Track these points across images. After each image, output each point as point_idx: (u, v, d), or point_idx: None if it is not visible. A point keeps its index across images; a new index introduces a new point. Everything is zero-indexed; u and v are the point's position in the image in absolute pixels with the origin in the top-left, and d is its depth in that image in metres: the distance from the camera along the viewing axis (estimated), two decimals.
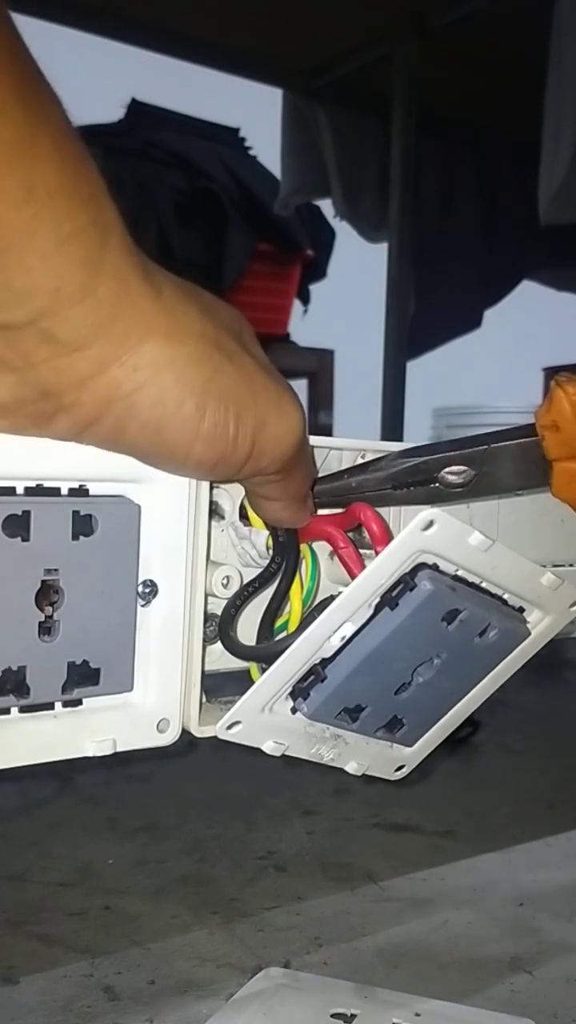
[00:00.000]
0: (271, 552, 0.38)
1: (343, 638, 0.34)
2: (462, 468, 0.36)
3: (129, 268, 0.27)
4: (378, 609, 0.34)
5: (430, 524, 0.32)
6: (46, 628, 0.31)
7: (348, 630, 0.34)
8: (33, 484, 0.31)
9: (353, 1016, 0.41)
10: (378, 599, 0.34)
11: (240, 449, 0.30)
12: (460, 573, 0.35)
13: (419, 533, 0.33)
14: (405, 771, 0.41)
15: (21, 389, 0.27)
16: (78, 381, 0.27)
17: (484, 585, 0.36)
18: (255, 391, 0.30)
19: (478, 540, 0.34)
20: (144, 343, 0.27)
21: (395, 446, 0.42)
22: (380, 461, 0.38)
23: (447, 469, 0.36)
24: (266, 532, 0.38)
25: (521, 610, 0.38)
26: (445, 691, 0.38)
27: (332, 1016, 0.41)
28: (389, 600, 0.34)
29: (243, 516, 0.38)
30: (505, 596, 0.37)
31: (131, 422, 0.28)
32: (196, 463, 0.30)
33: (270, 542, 0.38)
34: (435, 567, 0.34)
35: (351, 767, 0.39)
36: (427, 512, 0.32)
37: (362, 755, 0.39)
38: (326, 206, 2.04)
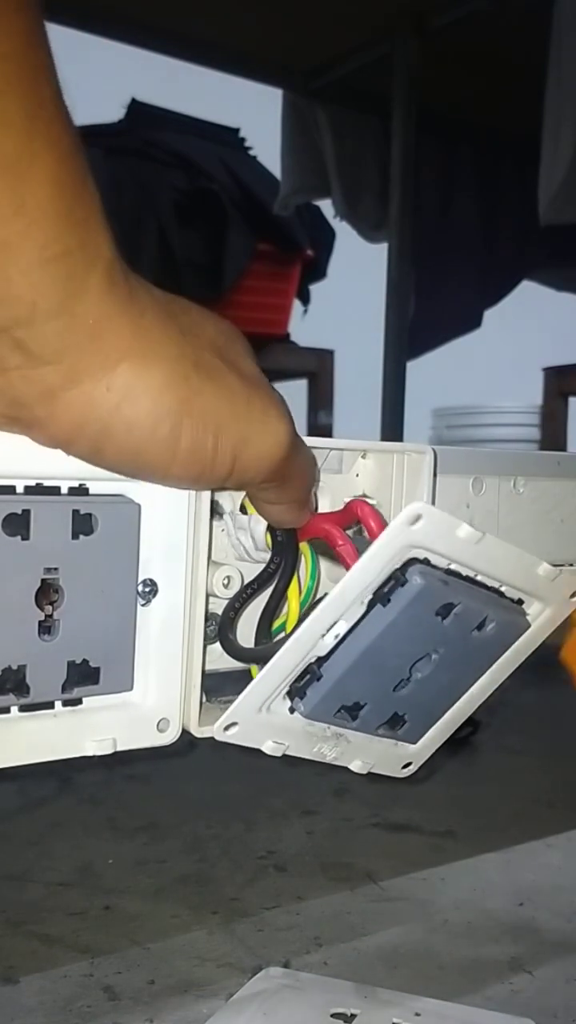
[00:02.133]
0: (269, 549, 0.38)
1: (337, 636, 0.34)
2: None
3: (113, 292, 0.27)
4: (371, 606, 0.34)
5: (417, 518, 0.32)
6: (46, 627, 0.31)
7: (342, 628, 0.34)
8: (33, 483, 0.31)
9: (353, 1016, 0.41)
10: (370, 596, 0.34)
11: (220, 466, 0.30)
12: (453, 567, 0.35)
13: (407, 528, 0.32)
14: (412, 768, 0.41)
15: None
16: (47, 393, 0.27)
17: (479, 578, 0.36)
18: (236, 409, 0.30)
19: (467, 532, 0.34)
20: (119, 364, 0.27)
21: (396, 446, 0.42)
22: None
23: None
24: (265, 522, 0.38)
25: (520, 602, 0.38)
26: (446, 686, 0.38)
27: (332, 1016, 0.41)
28: (381, 596, 0.34)
29: (242, 508, 0.38)
30: (502, 588, 0.37)
31: (107, 444, 0.28)
32: (176, 480, 0.30)
33: (268, 539, 0.38)
34: (426, 561, 0.34)
35: (355, 765, 0.39)
36: (414, 506, 0.32)
37: (366, 753, 0.39)
38: (326, 206, 2.04)
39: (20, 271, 0.25)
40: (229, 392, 0.30)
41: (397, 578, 0.33)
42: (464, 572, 0.35)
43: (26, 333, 0.26)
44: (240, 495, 0.38)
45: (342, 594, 0.33)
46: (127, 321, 0.28)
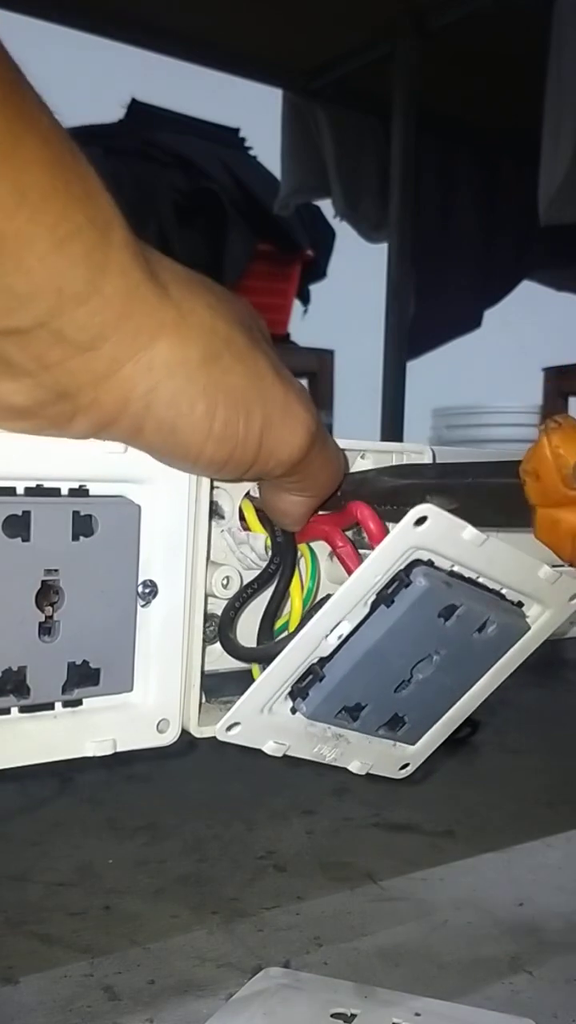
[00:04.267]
0: (269, 553, 0.38)
1: (340, 637, 0.34)
2: (442, 499, 0.35)
3: (134, 264, 0.27)
4: (374, 607, 0.34)
5: (423, 520, 0.32)
6: (46, 628, 0.31)
7: (345, 629, 0.34)
8: (33, 484, 0.31)
9: (353, 1016, 0.41)
10: (374, 597, 0.34)
11: (248, 449, 0.30)
12: (456, 569, 0.35)
13: (412, 529, 0.32)
14: (410, 769, 0.41)
15: (38, 392, 0.27)
16: (93, 381, 0.27)
17: (481, 580, 0.36)
18: (263, 391, 0.30)
19: (472, 535, 0.34)
20: (156, 341, 0.27)
21: (395, 446, 0.42)
22: (367, 474, 0.38)
23: (428, 496, 0.35)
24: (263, 535, 0.38)
25: (520, 604, 0.38)
26: (446, 688, 0.38)
27: (332, 1016, 0.41)
28: (385, 598, 0.34)
29: (241, 519, 0.38)
30: (503, 591, 0.37)
31: (147, 422, 0.28)
32: (207, 462, 0.30)
33: (268, 543, 0.38)
34: (430, 563, 0.34)
35: (354, 766, 0.39)
36: (420, 508, 0.32)
37: (365, 754, 0.39)
38: (326, 206, 2.04)
39: (38, 259, 0.25)
40: (257, 374, 0.30)
41: (401, 579, 0.33)
42: (467, 574, 0.35)
43: (60, 323, 0.26)
44: (239, 497, 0.38)
45: (346, 595, 0.33)
46: (155, 295, 0.27)
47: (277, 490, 0.34)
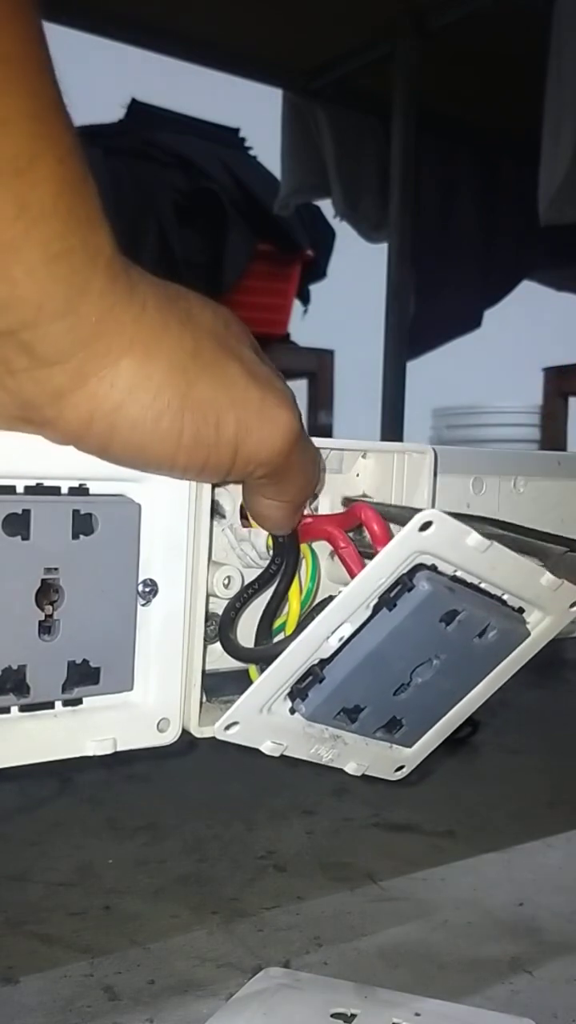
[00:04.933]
0: (271, 553, 0.38)
1: (341, 639, 0.34)
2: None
3: (115, 288, 0.27)
4: (376, 610, 0.34)
5: (428, 525, 0.32)
6: (46, 627, 0.31)
7: (346, 631, 0.34)
8: (33, 483, 0.31)
9: (353, 1016, 0.41)
10: (376, 600, 0.34)
11: (223, 455, 0.30)
12: (459, 574, 0.35)
13: (417, 534, 0.32)
14: (405, 771, 0.41)
15: (4, 394, 0.28)
16: (56, 395, 0.27)
17: (483, 585, 0.36)
18: (235, 397, 0.30)
19: (476, 541, 0.34)
20: (122, 359, 0.28)
21: (397, 446, 0.42)
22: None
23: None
24: (265, 533, 0.38)
25: (521, 610, 0.38)
26: (444, 692, 0.38)
27: (332, 1016, 0.41)
28: (387, 601, 0.34)
29: (243, 517, 0.38)
30: (504, 596, 0.37)
31: (113, 441, 0.29)
32: (182, 470, 0.30)
33: (270, 542, 0.38)
34: (433, 568, 0.34)
35: (350, 767, 0.39)
36: (425, 513, 0.32)
37: (361, 755, 0.39)
38: (326, 206, 2.04)
39: (25, 272, 0.25)
40: (227, 381, 0.30)
41: (404, 583, 0.33)
42: (469, 579, 0.35)
43: (33, 335, 0.26)
44: (239, 500, 0.38)
45: (349, 597, 0.33)
46: (129, 316, 0.28)
47: (254, 494, 0.35)
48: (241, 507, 0.38)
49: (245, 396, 0.30)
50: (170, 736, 0.36)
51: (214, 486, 0.36)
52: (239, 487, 0.37)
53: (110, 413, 0.28)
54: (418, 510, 0.33)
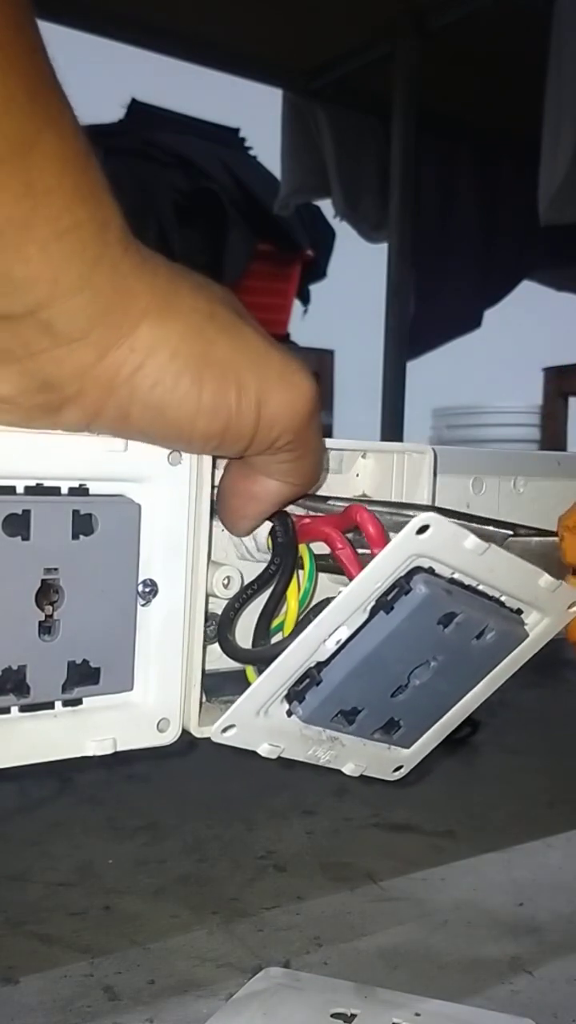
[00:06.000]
0: (270, 552, 0.38)
1: (338, 642, 0.34)
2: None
3: (127, 257, 0.28)
4: (373, 613, 0.34)
5: (425, 528, 0.32)
6: (46, 627, 0.31)
7: (343, 634, 0.34)
8: (33, 483, 0.31)
9: (353, 1016, 0.41)
10: (373, 603, 0.34)
11: (245, 418, 0.30)
12: (456, 576, 0.35)
13: (414, 537, 0.32)
14: (403, 772, 0.41)
15: (24, 379, 0.28)
16: (78, 371, 0.27)
17: (481, 587, 0.36)
18: (256, 359, 0.30)
19: (474, 543, 0.34)
20: (139, 325, 0.28)
21: (397, 446, 0.42)
22: (407, 509, 0.37)
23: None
24: (265, 529, 0.38)
25: (519, 612, 0.38)
26: (442, 693, 0.38)
27: (332, 1016, 0.41)
28: (384, 604, 0.34)
29: None
30: (502, 598, 0.37)
31: (133, 406, 0.28)
32: (202, 437, 0.30)
33: (270, 543, 0.38)
34: (431, 570, 0.34)
35: (348, 768, 0.39)
36: (422, 516, 0.32)
37: (359, 757, 0.39)
38: (326, 206, 2.04)
39: (38, 248, 0.25)
40: (246, 344, 0.30)
41: (401, 586, 0.33)
42: (467, 581, 0.35)
43: (51, 313, 0.26)
44: None
45: (346, 600, 0.33)
46: (144, 283, 0.28)
47: (255, 472, 0.33)
48: None
49: (267, 359, 0.30)
50: (170, 736, 0.36)
51: (214, 487, 0.36)
52: None
53: (130, 377, 0.28)
54: (409, 510, 0.32)
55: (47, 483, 0.31)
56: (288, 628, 0.37)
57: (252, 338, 0.30)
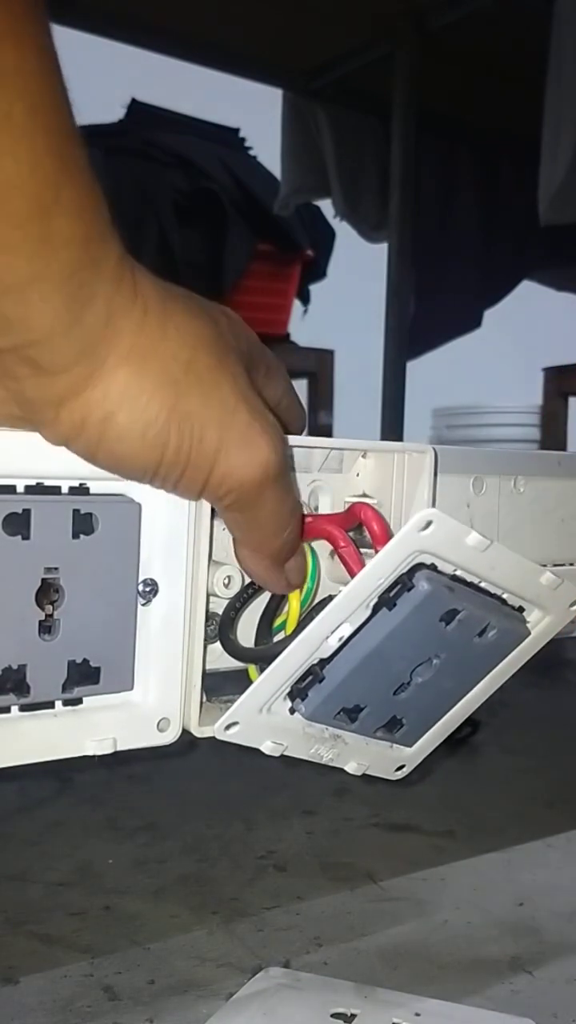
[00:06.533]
0: None
1: (341, 639, 0.34)
2: None
3: (119, 291, 0.27)
4: (376, 609, 0.34)
5: (428, 524, 0.32)
6: (46, 627, 0.31)
7: (346, 630, 0.34)
8: (33, 482, 0.31)
9: (353, 1016, 0.41)
10: (376, 599, 0.34)
11: (198, 471, 0.30)
12: (458, 573, 0.35)
13: (416, 533, 0.32)
14: (405, 771, 0.41)
15: (3, 392, 0.28)
16: (55, 400, 0.28)
17: (483, 585, 0.36)
18: (222, 416, 0.29)
19: (476, 540, 0.34)
20: (119, 368, 0.28)
21: (397, 446, 0.42)
22: None
23: None
24: None
25: (521, 609, 0.38)
26: (444, 691, 0.38)
27: (332, 1016, 0.41)
28: (387, 600, 0.34)
29: None
30: (504, 596, 0.37)
31: (100, 451, 0.29)
32: (161, 481, 0.30)
33: None
34: (433, 567, 0.34)
35: (351, 767, 0.39)
36: (425, 512, 0.32)
37: (362, 755, 0.39)
38: (326, 206, 2.04)
39: (41, 297, 0.25)
40: (217, 398, 0.29)
41: (404, 583, 0.33)
42: (469, 578, 0.35)
43: (37, 351, 0.26)
44: None
45: (348, 597, 0.33)
46: (131, 321, 0.28)
47: (234, 542, 0.34)
48: None
49: (232, 417, 0.30)
50: (170, 736, 0.36)
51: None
52: None
53: (99, 423, 0.28)
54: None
55: (47, 482, 0.31)
56: (290, 628, 0.37)
57: (225, 392, 0.30)
